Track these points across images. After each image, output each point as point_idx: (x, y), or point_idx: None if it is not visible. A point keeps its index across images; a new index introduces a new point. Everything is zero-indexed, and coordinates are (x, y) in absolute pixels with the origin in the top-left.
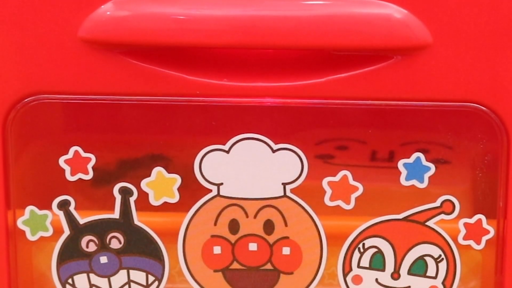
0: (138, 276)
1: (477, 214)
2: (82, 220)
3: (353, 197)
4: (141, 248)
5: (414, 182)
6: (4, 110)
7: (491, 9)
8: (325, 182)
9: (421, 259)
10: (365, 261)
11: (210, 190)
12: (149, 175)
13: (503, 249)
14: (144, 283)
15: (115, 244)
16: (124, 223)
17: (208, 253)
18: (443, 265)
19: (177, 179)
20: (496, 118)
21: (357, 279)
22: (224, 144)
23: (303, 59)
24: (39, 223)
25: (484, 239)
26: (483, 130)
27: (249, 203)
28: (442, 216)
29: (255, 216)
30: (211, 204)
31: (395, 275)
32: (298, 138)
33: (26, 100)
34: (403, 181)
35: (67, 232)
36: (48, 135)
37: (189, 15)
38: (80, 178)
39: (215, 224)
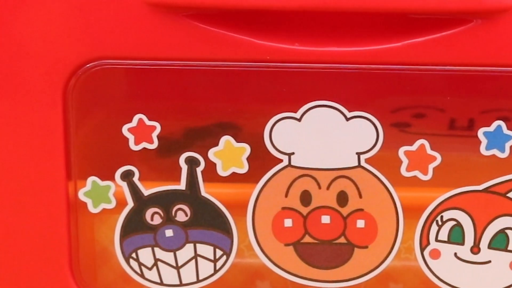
0: (206, 250)
1: None
2: (146, 192)
3: (431, 167)
4: (209, 221)
5: (494, 151)
6: (65, 76)
7: None
8: (401, 151)
9: (502, 232)
10: (443, 235)
11: (281, 160)
12: (217, 144)
13: None
14: (212, 258)
15: (181, 217)
16: (191, 195)
17: (279, 226)
18: None
19: (246, 149)
20: None
21: (435, 253)
22: (295, 112)
23: (378, 23)
24: (102, 195)
25: None
26: None
27: (321, 174)
28: None
29: (328, 187)
30: (282, 175)
31: (475, 249)
32: (373, 106)
33: (88, 65)
34: (483, 150)
35: (130, 204)
36: (111, 103)
37: None
38: (144, 148)
39: (286, 196)
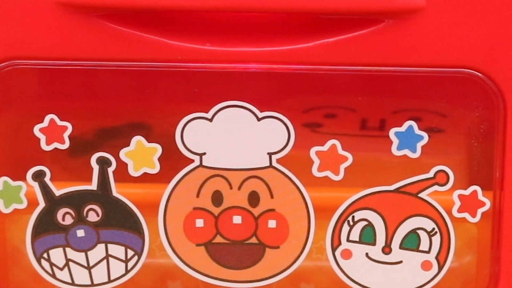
0: (117, 250)
1: (472, 185)
2: (58, 192)
3: (342, 167)
4: (120, 221)
5: (406, 151)
6: None
7: None
8: (312, 151)
9: (413, 232)
10: (354, 235)
11: (192, 160)
12: (128, 145)
13: (499, 222)
14: (123, 258)
15: (92, 217)
16: (102, 195)
17: (190, 226)
18: (436, 239)
19: (157, 149)
20: (493, 84)
21: (346, 254)
22: (207, 112)
23: (290, 23)
24: (13, 195)
25: (480, 211)
26: (478, 97)
27: (233, 174)
28: (436, 188)
29: (239, 188)
30: (193, 175)
31: (386, 249)
32: (284, 106)
33: None
34: (394, 150)
35: (42, 204)
36: (22, 103)
37: None
38: (56, 148)
39: (197, 196)
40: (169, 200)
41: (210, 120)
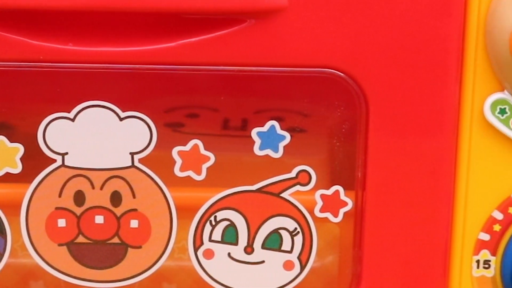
0: None
1: (334, 185)
2: None
3: (204, 167)
4: None
5: (268, 151)
6: None
7: None
8: (175, 151)
9: (275, 232)
10: (217, 235)
11: (55, 160)
12: None
13: (361, 222)
14: None
15: None
16: None
17: (52, 226)
18: (298, 239)
19: (19, 149)
20: (354, 84)
21: (209, 253)
22: (69, 112)
23: (152, 23)
24: None
25: (342, 211)
26: (340, 97)
27: (95, 174)
28: (298, 188)
29: (101, 188)
30: (56, 175)
31: (249, 249)
32: (146, 106)
33: None
34: (256, 150)
35: None
36: None
37: None
38: None
39: (59, 196)
40: (31, 200)
41: (72, 120)
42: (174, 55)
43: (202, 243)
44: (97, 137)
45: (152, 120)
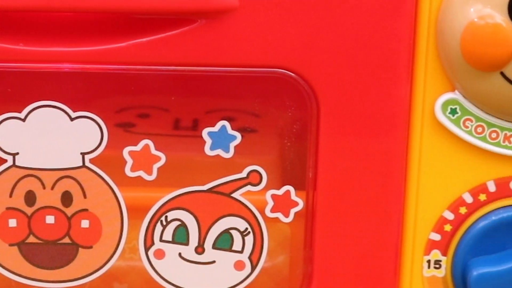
0: None
1: (285, 185)
2: None
3: (155, 167)
4: None
5: (219, 151)
6: None
7: None
8: (125, 151)
9: (226, 232)
10: (167, 235)
11: (6, 160)
12: None
13: (312, 222)
14: None
15: None
16: None
17: (3, 226)
18: (249, 239)
19: None
20: (306, 84)
21: (159, 253)
22: (20, 112)
23: (103, 23)
24: None
25: (293, 211)
26: (291, 97)
27: (46, 174)
28: (249, 188)
29: (52, 188)
30: (6, 175)
31: (199, 249)
32: (97, 106)
33: None
34: (207, 150)
35: None
36: None
37: None
38: None
39: (10, 196)
40: None
41: (23, 120)
42: (125, 55)
43: (153, 243)
44: (48, 137)
45: (103, 120)
